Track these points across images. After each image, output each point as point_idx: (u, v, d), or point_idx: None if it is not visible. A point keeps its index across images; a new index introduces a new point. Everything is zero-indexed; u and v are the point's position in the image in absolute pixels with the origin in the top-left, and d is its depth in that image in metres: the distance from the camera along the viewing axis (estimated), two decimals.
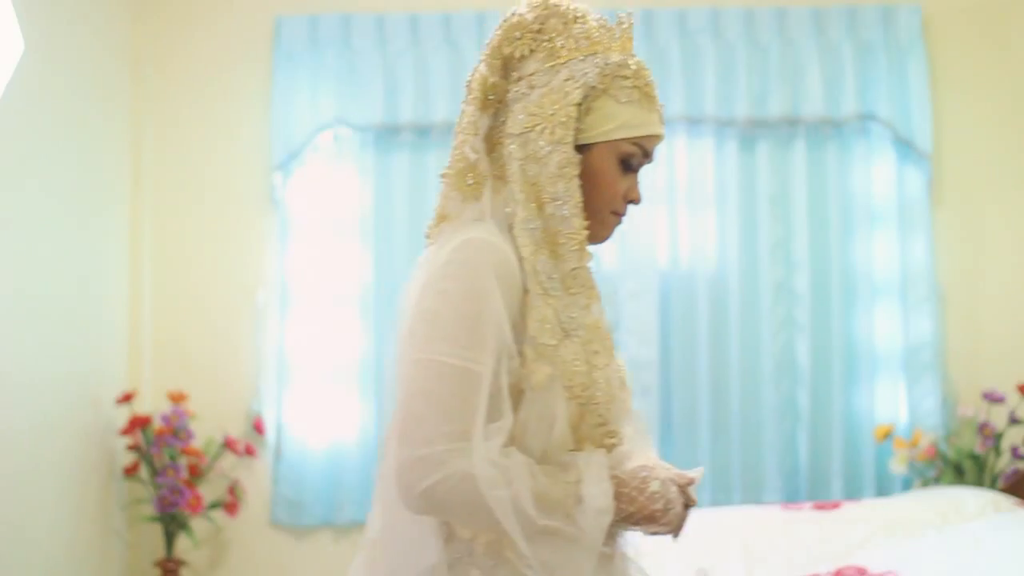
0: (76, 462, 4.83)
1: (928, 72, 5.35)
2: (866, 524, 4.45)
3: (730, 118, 5.31)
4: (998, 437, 5.08)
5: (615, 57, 2.11)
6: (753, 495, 5.24)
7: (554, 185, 2.06)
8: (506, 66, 2.15)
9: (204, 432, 5.23)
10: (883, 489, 5.25)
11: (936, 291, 5.32)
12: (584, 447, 2.04)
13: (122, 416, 5.13)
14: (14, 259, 4.30)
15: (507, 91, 2.14)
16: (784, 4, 5.36)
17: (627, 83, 2.11)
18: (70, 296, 4.79)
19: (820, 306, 5.29)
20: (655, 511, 2.03)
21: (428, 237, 2.16)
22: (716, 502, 5.20)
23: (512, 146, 2.09)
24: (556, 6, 2.13)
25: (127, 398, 5.08)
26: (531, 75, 2.11)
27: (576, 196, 2.08)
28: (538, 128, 2.07)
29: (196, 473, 5.11)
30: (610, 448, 2.07)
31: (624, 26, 2.16)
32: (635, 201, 2.21)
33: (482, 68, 2.15)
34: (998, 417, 5.17)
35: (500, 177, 2.11)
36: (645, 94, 2.13)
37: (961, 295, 5.36)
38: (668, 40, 5.32)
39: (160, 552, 5.22)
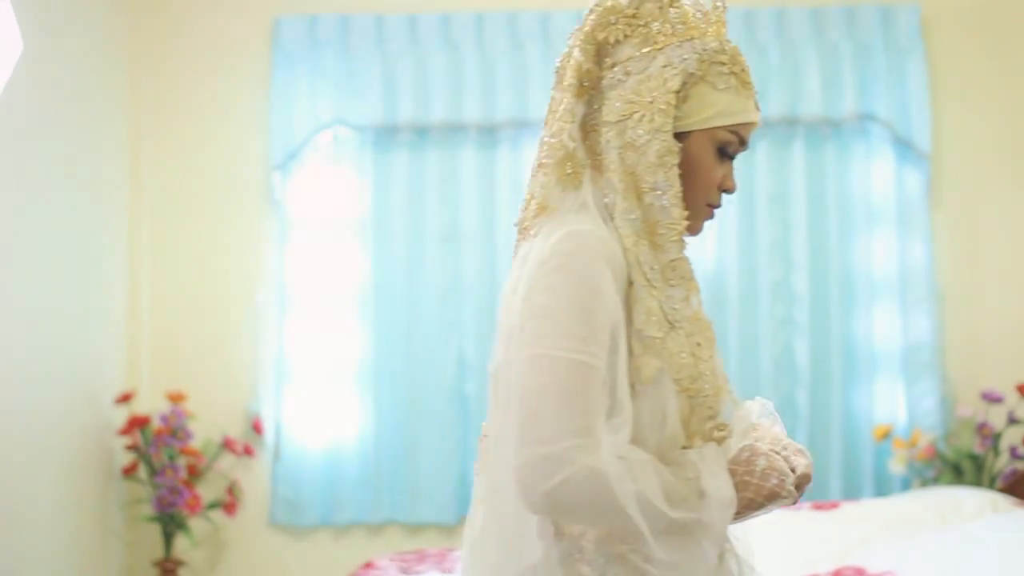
0: (75, 462, 4.83)
1: (927, 73, 5.35)
2: (865, 524, 4.45)
3: None
4: (997, 437, 5.08)
5: (711, 43, 2.05)
6: None
7: (653, 174, 2.01)
8: (599, 52, 2.07)
9: (203, 432, 5.23)
10: (882, 489, 5.25)
11: (935, 291, 5.32)
12: (694, 442, 2.01)
13: (121, 416, 5.12)
14: (13, 259, 4.30)
15: (600, 77, 2.06)
16: (783, 4, 5.36)
17: (724, 69, 2.05)
18: (69, 296, 4.79)
19: (819, 306, 5.29)
20: (773, 488, 2.01)
21: (525, 229, 2.10)
22: None
23: (609, 134, 2.03)
24: None
25: (126, 398, 5.08)
26: (626, 61, 2.05)
27: (676, 185, 2.01)
28: (636, 116, 2.01)
29: (195, 473, 5.11)
30: (720, 441, 2.05)
31: (718, 10, 2.10)
32: (730, 190, 2.14)
33: (576, 54, 2.06)
34: (997, 417, 5.16)
35: (595, 166, 2.06)
36: (741, 80, 2.07)
37: (960, 295, 5.36)
38: None
39: (159, 552, 5.22)
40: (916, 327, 5.31)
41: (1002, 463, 5.16)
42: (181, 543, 5.23)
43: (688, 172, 2.04)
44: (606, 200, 2.02)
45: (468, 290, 5.31)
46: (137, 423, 5.05)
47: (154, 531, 5.23)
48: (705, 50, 2.04)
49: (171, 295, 5.39)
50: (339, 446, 5.30)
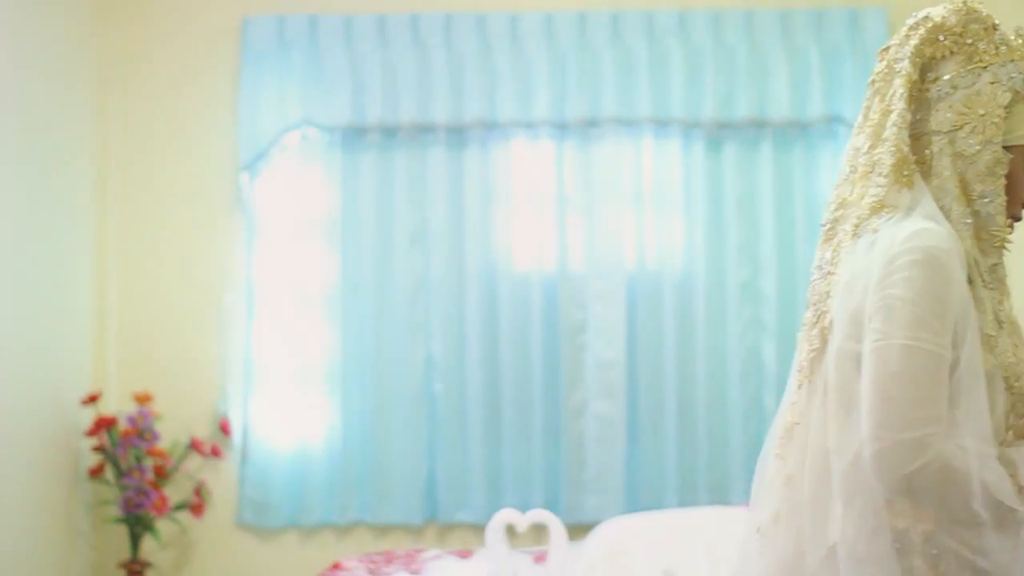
0: (41, 463, 4.81)
1: None
2: None
3: (697, 120, 5.33)
4: None
5: None
6: (719, 496, 5.25)
7: (982, 182, 2.17)
8: (924, 66, 2.24)
9: (170, 433, 5.21)
10: None
11: None
12: (1007, 437, 2.10)
13: (87, 417, 5.10)
14: None
15: (923, 89, 2.23)
16: (751, 6, 5.38)
17: None
18: (36, 297, 4.77)
19: (786, 308, 5.30)
20: None
21: (859, 226, 2.22)
22: (682, 503, 5.21)
23: (941, 142, 2.19)
24: (977, 12, 2.25)
25: (92, 399, 5.06)
26: (951, 76, 2.21)
27: (1001, 194, 2.18)
28: (967, 127, 2.18)
29: (162, 474, 5.09)
30: None
31: None
32: None
33: (907, 67, 2.22)
34: None
35: (920, 170, 2.20)
36: None
37: None
38: (635, 42, 5.33)
39: (125, 554, 5.20)
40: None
41: None
42: (148, 544, 5.21)
43: (1008, 184, 2.20)
44: (941, 204, 2.16)
45: (436, 291, 5.31)
46: (104, 424, 5.03)
47: (121, 532, 5.21)
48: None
49: (138, 295, 5.37)
50: (307, 447, 5.29)
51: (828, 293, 2.25)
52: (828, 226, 2.32)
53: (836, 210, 2.29)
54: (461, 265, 5.31)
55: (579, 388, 5.31)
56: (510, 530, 4.48)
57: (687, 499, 5.24)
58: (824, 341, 2.20)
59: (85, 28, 5.29)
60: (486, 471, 5.28)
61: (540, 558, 4.54)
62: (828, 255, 2.30)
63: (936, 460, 1.95)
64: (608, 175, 5.35)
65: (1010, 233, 2.19)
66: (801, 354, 2.28)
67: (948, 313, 2.02)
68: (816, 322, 2.25)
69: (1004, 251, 2.20)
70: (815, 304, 2.29)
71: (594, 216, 5.34)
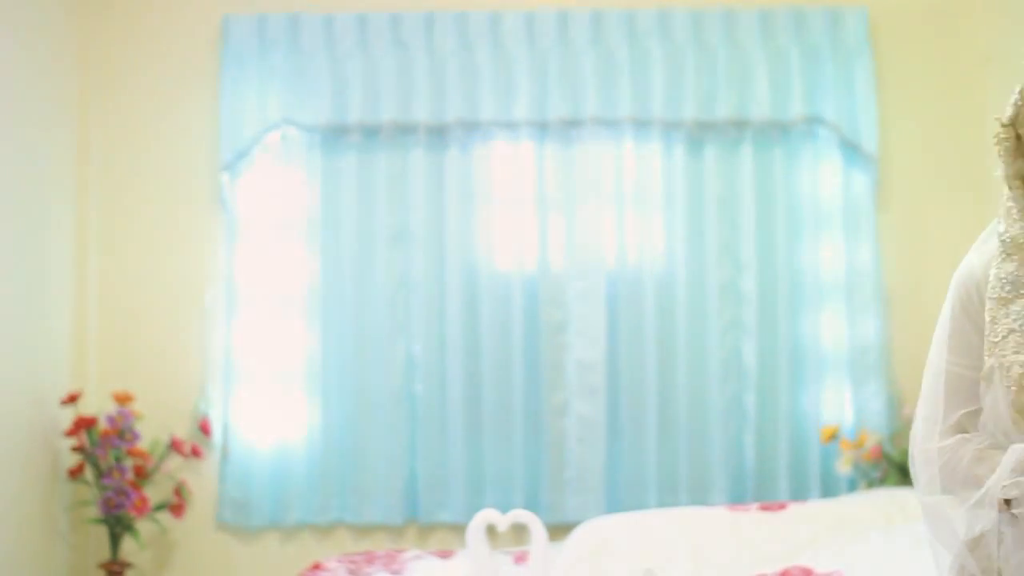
0: (20, 464, 4.79)
1: (874, 75, 5.39)
2: (812, 525, 4.48)
3: (678, 120, 5.33)
4: None
5: None
6: (699, 496, 5.25)
7: None
8: None
9: (150, 433, 5.20)
10: (828, 490, 5.28)
11: (881, 293, 5.36)
12: None
13: (67, 417, 5.08)
14: None
15: None
16: (732, 7, 5.39)
17: None
18: (15, 296, 4.76)
19: (767, 308, 5.32)
20: None
21: None
22: (662, 503, 5.22)
23: None
24: None
25: (72, 399, 5.04)
26: None
27: None
28: None
29: (142, 474, 5.07)
30: None
31: None
32: None
33: None
34: None
35: None
36: None
37: (906, 297, 5.39)
38: (617, 42, 5.34)
39: (105, 554, 5.18)
40: (863, 329, 5.34)
41: None
42: (128, 545, 5.20)
43: None
44: None
45: (417, 290, 5.31)
46: (83, 424, 5.02)
47: (100, 533, 5.19)
48: None
49: (118, 295, 5.36)
50: (287, 447, 5.29)
51: None
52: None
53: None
54: (442, 265, 5.31)
55: (560, 388, 5.32)
56: (491, 530, 4.47)
57: (667, 499, 5.25)
58: None
59: (65, 27, 5.27)
60: (467, 471, 5.27)
61: (521, 558, 4.54)
62: None
63: None
64: (589, 175, 5.36)
65: None
66: None
67: None
68: None
69: None
70: None
71: (575, 216, 5.34)
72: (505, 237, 5.37)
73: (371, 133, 5.35)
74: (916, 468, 2.40)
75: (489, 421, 5.29)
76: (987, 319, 2.31)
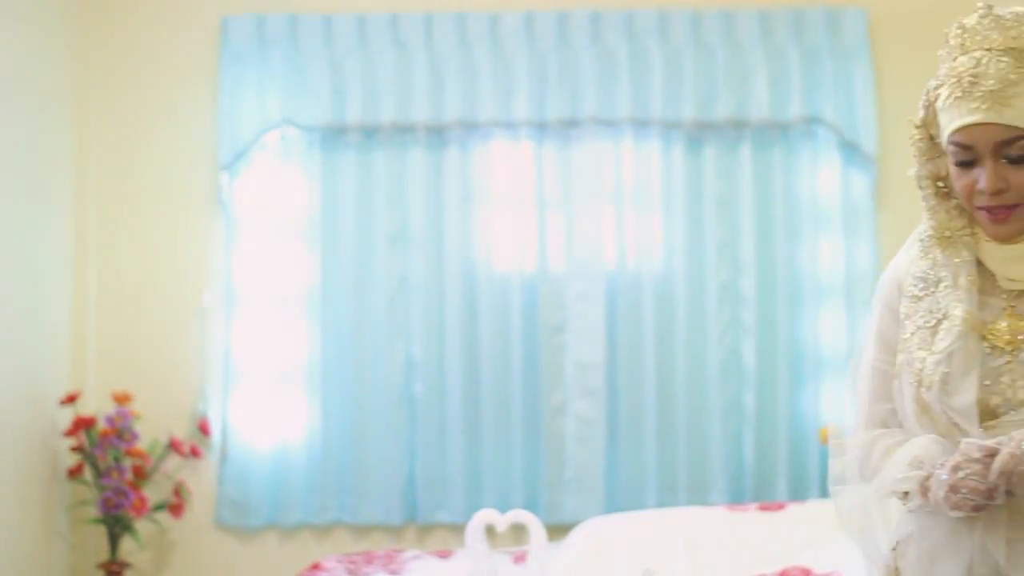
0: (19, 464, 4.79)
1: (873, 75, 5.38)
2: (811, 525, 4.48)
3: (677, 120, 5.33)
4: None
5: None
6: (699, 496, 5.25)
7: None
8: None
9: (149, 433, 5.19)
10: (828, 490, 5.26)
11: None
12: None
13: (66, 417, 5.08)
14: None
15: None
16: (731, 7, 5.39)
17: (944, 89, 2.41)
18: (13, 296, 4.76)
19: (766, 308, 5.32)
20: (940, 497, 2.14)
21: None
22: (662, 503, 5.22)
23: None
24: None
25: (71, 399, 5.04)
26: None
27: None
28: None
29: (141, 475, 5.08)
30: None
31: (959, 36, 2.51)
32: (985, 191, 2.25)
33: None
34: None
35: None
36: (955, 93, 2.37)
37: None
38: (616, 42, 5.34)
39: (104, 554, 5.18)
40: (862, 329, 5.33)
41: None
42: (127, 545, 5.20)
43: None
44: None
45: (416, 291, 5.31)
46: (82, 424, 5.02)
47: (99, 533, 5.19)
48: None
49: (117, 295, 5.36)
50: (286, 447, 5.29)
51: None
52: None
53: None
54: (441, 265, 5.31)
55: (559, 388, 5.31)
56: (490, 530, 4.47)
57: (667, 499, 5.25)
58: None
59: (65, 27, 5.27)
60: (466, 471, 5.28)
61: (520, 558, 4.54)
62: None
63: None
64: (588, 175, 5.35)
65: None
66: None
67: None
68: None
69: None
70: None
71: (574, 216, 5.34)
72: (504, 238, 5.36)
73: (370, 133, 5.35)
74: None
75: (488, 421, 5.29)
76: (902, 316, 2.36)
